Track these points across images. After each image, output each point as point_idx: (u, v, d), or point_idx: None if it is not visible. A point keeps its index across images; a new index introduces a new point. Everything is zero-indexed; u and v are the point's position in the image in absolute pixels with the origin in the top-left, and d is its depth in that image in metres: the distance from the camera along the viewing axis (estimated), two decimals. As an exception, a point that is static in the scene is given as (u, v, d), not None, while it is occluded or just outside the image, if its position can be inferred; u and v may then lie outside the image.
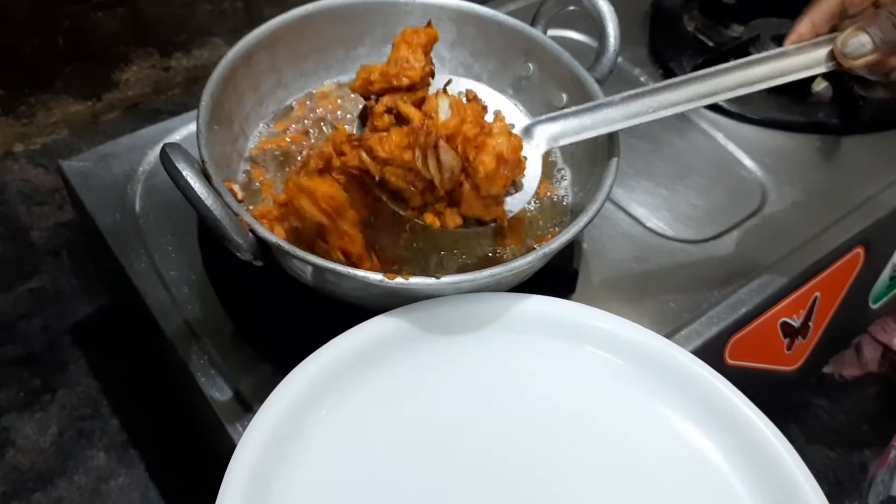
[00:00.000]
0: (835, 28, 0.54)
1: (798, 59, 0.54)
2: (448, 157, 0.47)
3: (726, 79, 0.53)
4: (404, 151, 0.48)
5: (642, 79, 0.80)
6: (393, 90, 0.52)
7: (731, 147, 0.74)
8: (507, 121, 0.53)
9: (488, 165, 0.48)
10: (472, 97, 0.53)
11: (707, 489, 0.45)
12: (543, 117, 0.56)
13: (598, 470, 0.44)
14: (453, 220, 0.50)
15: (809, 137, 0.76)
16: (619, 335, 0.50)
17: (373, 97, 0.53)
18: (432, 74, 0.53)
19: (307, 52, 0.64)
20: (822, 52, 0.53)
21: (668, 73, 0.80)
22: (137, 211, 0.63)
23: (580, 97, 0.61)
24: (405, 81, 0.51)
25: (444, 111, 0.49)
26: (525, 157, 0.52)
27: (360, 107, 0.55)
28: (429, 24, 0.54)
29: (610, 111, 0.54)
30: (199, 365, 0.54)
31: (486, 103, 0.54)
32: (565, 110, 0.55)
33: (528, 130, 0.55)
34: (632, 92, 0.54)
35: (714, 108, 0.76)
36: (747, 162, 0.73)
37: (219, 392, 0.53)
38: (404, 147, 0.48)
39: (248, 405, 0.52)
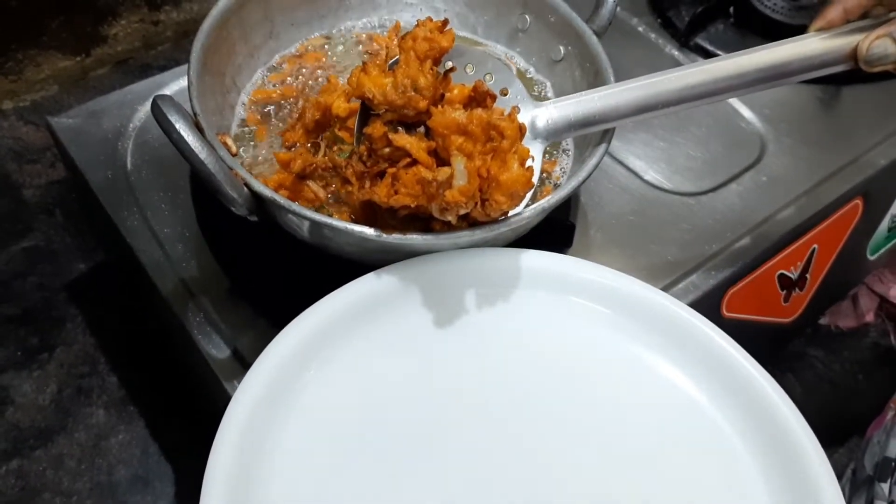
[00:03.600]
0: (866, 14, 0.50)
1: (820, 49, 0.50)
2: (462, 208, 0.45)
3: (740, 65, 0.50)
4: (415, 199, 0.45)
5: (640, 28, 0.79)
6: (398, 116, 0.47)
7: (730, 98, 0.73)
8: (513, 99, 0.50)
9: (501, 203, 0.45)
10: (482, 92, 0.48)
11: (701, 438, 0.45)
12: (549, 103, 0.53)
13: (589, 419, 0.44)
14: (459, 225, 0.48)
15: (809, 87, 0.75)
16: (610, 286, 0.49)
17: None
18: (442, 96, 0.48)
19: (299, 2, 0.63)
20: (847, 44, 0.49)
21: (667, 23, 0.78)
22: (129, 168, 0.62)
23: (579, 49, 0.60)
24: (411, 114, 0.46)
25: (459, 175, 0.44)
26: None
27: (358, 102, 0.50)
28: (444, 24, 0.48)
29: (621, 99, 0.51)
30: (195, 323, 0.54)
31: (492, 87, 0.50)
32: (571, 97, 0.52)
33: (532, 123, 0.52)
34: (644, 80, 0.51)
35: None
36: (746, 113, 0.72)
37: (216, 349, 0.53)
38: (415, 196, 0.45)
39: (245, 362, 0.52)
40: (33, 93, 0.92)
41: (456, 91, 0.48)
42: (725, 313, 0.61)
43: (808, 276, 0.68)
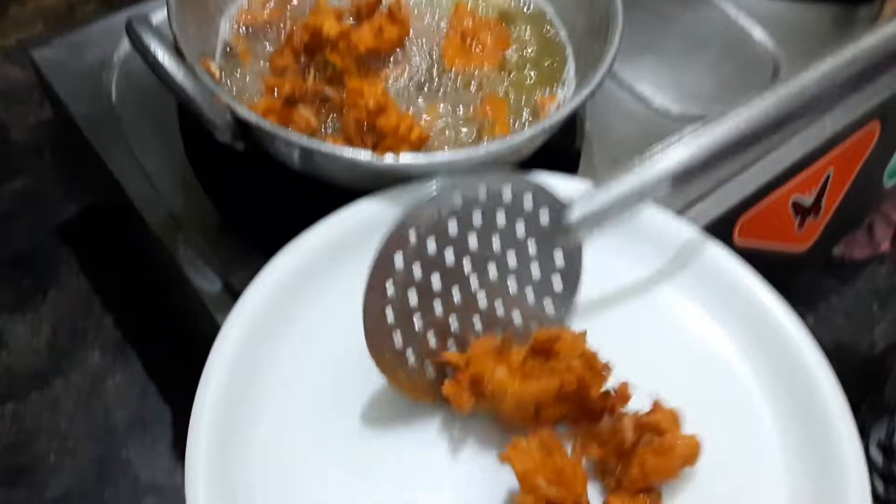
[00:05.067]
0: None
1: None
2: None
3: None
4: None
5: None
6: None
7: (742, 19, 0.70)
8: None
9: None
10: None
11: (708, 368, 0.43)
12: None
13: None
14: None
15: (824, 7, 0.71)
16: None
17: None
18: None
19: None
20: None
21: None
22: (114, 100, 0.59)
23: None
24: None
25: None
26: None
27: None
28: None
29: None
30: (186, 257, 0.52)
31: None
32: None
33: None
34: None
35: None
36: (758, 34, 0.69)
37: (208, 283, 0.51)
38: None
39: (238, 296, 0.50)
40: (18, 31, 0.89)
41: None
42: (738, 241, 0.59)
43: (822, 202, 0.65)
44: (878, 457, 0.57)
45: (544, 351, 0.39)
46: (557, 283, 0.42)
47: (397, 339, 0.39)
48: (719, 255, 0.46)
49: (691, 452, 0.39)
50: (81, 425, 0.63)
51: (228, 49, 0.56)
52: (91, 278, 0.71)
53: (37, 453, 0.62)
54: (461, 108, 0.53)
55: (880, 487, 0.59)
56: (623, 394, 0.39)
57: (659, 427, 0.37)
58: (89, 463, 0.62)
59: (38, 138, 0.80)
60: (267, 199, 0.54)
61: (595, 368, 0.39)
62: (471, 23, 0.57)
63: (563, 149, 0.57)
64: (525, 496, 0.35)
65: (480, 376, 0.38)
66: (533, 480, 0.35)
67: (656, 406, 0.38)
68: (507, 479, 0.38)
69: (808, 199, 0.63)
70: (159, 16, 0.64)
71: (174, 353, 0.67)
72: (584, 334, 0.40)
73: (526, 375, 0.38)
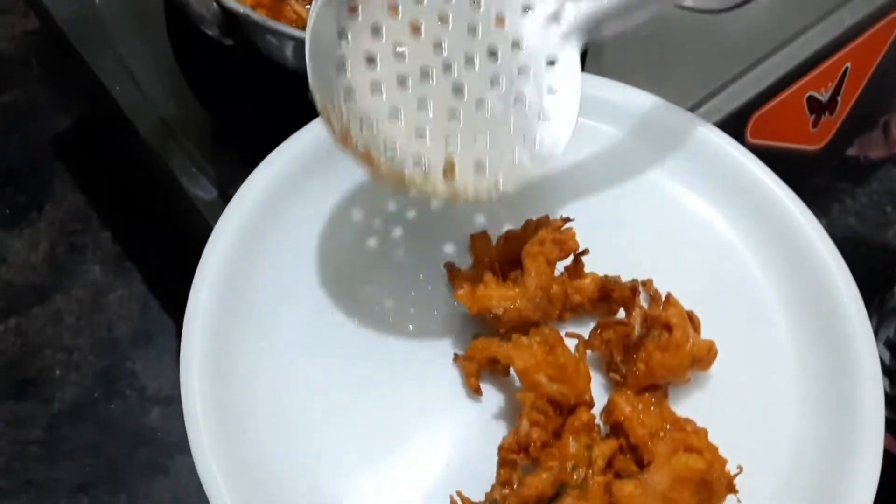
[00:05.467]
0: None
1: None
2: None
3: None
4: None
5: None
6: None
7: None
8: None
9: None
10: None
11: (719, 264, 0.42)
12: None
13: (597, 248, 0.41)
14: None
15: None
16: (618, 103, 0.45)
17: None
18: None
19: None
20: None
21: None
22: (97, 1, 0.57)
23: None
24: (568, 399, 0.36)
25: None
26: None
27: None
28: (566, 221, 0.39)
29: None
30: (180, 165, 0.51)
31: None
32: None
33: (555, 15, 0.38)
34: None
35: None
36: None
37: (203, 191, 0.50)
38: None
39: (234, 202, 0.49)
40: (-3, -62, 0.85)
41: (589, 280, 0.39)
42: (750, 139, 0.57)
43: (839, 98, 0.62)
44: (885, 355, 0.57)
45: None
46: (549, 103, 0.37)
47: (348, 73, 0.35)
48: (730, 149, 0.44)
49: (704, 356, 0.38)
50: (85, 339, 0.63)
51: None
52: (86, 192, 0.70)
53: (42, 367, 0.62)
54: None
55: (887, 386, 0.58)
56: (633, 286, 0.38)
57: (669, 322, 0.36)
58: (95, 376, 0.62)
59: (26, 49, 0.78)
60: (261, 101, 0.52)
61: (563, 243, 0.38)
62: None
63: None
64: (525, 393, 0.34)
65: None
66: (533, 377, 0.34)
67: (668, 301, 0.37)
68: (511, 384, 0.37)
69: (823, 96, 0.61)
70: None
71: (174, 266, 0.65)
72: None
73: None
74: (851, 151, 0.75)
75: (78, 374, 0.62)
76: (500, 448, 0.34)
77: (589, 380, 0.36)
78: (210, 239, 0.39)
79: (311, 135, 0.42)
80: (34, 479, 0.58)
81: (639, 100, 0.45)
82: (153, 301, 0.65)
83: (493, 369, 0.37)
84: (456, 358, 0.38)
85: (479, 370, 0.37)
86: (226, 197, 0.49)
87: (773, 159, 0.46)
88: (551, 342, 0.35)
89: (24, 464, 0.58)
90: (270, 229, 0.40)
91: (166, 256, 0.66)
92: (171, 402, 0.61)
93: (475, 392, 0.37)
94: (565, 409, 0.35)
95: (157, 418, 0.60)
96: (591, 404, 0.35)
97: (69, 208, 0.69)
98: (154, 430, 0.60)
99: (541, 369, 0.34)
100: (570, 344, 0.37)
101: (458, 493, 0.32)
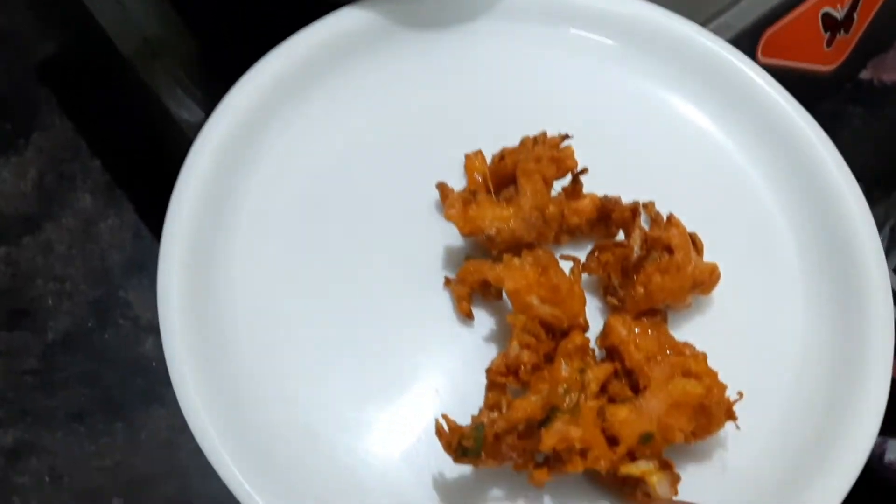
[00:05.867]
0: None
1: None
2: None
3: None
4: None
5: None
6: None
7: None
8: None
9: None
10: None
11: (723, 184, 0.40)
12: None
13: (595, 164, 0.39)
14: None
15: None
16: (616, 12, 0.43)
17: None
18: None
19: None
20: None
21: None
22: (74, -87, 0.54)
23: None
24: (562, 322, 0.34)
25: (662, 490, 0.32)
26: None
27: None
28: (564, 138, 0.37)
29: None
30: (165, 87, 0.49)
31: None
32: None
33: None
34: None
35: None
36: None
37: (188, 113, 0.48)
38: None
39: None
40: None
41: (587, 201, 0.37)
42: (761, 58, 0.54)
43: (855, 15, 0.60)
44: (895, 283, 0.55)
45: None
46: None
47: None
48: (740, 64, 0.42)
49: (706, 280, 0.36)
50: (77, 268, 0.62)
51: None
52: (75, 119, 0.68)
53: (34, 297, 0.61)
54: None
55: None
56: (633, 207, 0.36)
57: (670, 244, 0.34)
58: (88, 305, 0.61)
59: (6, -27, 0.75)
60: (247, 20, 0.50)
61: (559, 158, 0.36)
62: None
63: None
64: (516, 315, 0.33)
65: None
66: (525, 298, 0.33)
67: (670, 221, 0.35)
68: (504, 310, 0.36)
69: (839, 13, 0.58)
70: None
71: (166, 194, 0.64)
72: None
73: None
74: (865, 74, 0.72)
75: (71, 304, 0.61)
76: (488, 370, 0.32)
77: (583, 302, 0.34)
78: (187, 160, 0.37)
79: (294, 51, 0.40)
80: (29, 408, 0.57)
81: (644, 12, 0.43)
82: (145, 230, 0.64)
83: (485, 293, 0.36)
84: (447, 282, 0.36)
85: (470, 294, 0.36)
86: (212, 119, 0.47)
87: (784, 82, 0.44)
88: (544, 263, 0.33)
89: (18, 393, 0.58)
90: (249, 151, 0.38)
91: (157, 184, 0.64)
92: (166, 331, 0.60)
93: (467, 317, 0.36)
94: (558, 332, 0.34)
95: (152, 348, 0.60)
96: (585, 327, 0.34)
97: (57, 136, 0.67)
98: (149, 359, 0.59)
99: (532, 290, 0.33)
100: (567, 267, 0.35)
101: (444, 417, 0.31)
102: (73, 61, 0.70)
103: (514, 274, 0.33)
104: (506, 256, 0.34)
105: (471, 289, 0.35)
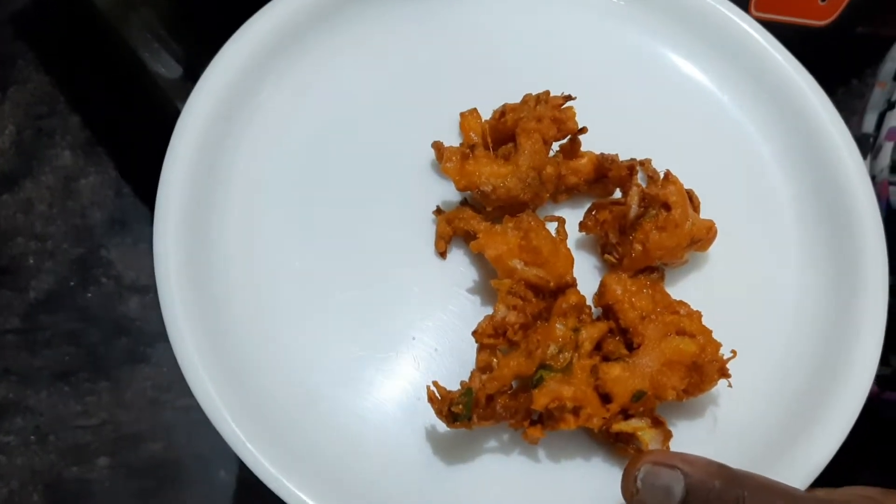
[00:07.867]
0: None
1: None
2: None
3: None
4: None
5: None
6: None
7: None
8: None
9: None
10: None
11: (720, 138, 0.40)
12: None
13: (596, 122, 0.38)
14: None
15: None
16: None
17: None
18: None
19: None
20: None
21: None
22: None
23: None
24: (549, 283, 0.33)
25: (654, 446, 0.33)
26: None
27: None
28: (567, 99, 0.36)
29: None
30: (141, 40, 0.48)
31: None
32: None
33: None
34: None
35: None
36: None
37: (166, 68, 0.47)
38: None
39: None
40: None
41: (585, 160, 0.36)
42: (755, 12, 0.53)
43: (851, -32, 0.58)
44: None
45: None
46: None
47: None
48: (735, 18, 0.41)
49: (703, 236, 0.36)
50: (58, 226, 0.61)
51: None
52: (52, 73, 0.66)
53: (15, 255, 0.60)
54: None
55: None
56: (630, 165, 0.35)
57: (667, 200, 0.34)
58: (70, 264, 0.60)
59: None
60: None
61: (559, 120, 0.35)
62: None
63: None
64: (501, 280, 0.32)
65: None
66: (507, 263, 0.32)
67: (667, 178, 0.35)
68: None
69: (835, -35, 0.57)
70: None
71: (147, 150, 0.63)
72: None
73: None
74: (862, 29, 0.71)
75: (52, 263, 0.60)
76: (475, 333, 0.32)
77: (570, 262, 0.33)
78: (178, 123, 0.36)
79: (288, 6, 0.38)
80: (13, 367, 0.57)
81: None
82: (126, 188, 0.63)
83: (467, 240, 0.35)
84: (437, 210, 0.36)
85: (451, 236, 0.35)
86: (192, 75, 0.46)
87: (778, 37, 0.43)
88: (524, 227, 0.33)
89: (2, 353, 0.57)
90: (242, 110, 0.37)
91: (138, 140, 0.63)
92: (150, 290, 0.59)
93: (441, 255, 0.35)
94: (546, 292, 0.33)
95: (136, 307, 0.59)
96: (573, 284, 0.34)
97: (34, 91, 0.65)
98: (133, 318, 0.59)
99: (514, 255, 0.32)
100: (553, 229, 0.35)
101: (435, 384, 0.31)
102: (47, 13, 0.68)
103: (495, 240, 0.32)
104: (484, 225, 0.33)
105: (454, 232, 0.35)
